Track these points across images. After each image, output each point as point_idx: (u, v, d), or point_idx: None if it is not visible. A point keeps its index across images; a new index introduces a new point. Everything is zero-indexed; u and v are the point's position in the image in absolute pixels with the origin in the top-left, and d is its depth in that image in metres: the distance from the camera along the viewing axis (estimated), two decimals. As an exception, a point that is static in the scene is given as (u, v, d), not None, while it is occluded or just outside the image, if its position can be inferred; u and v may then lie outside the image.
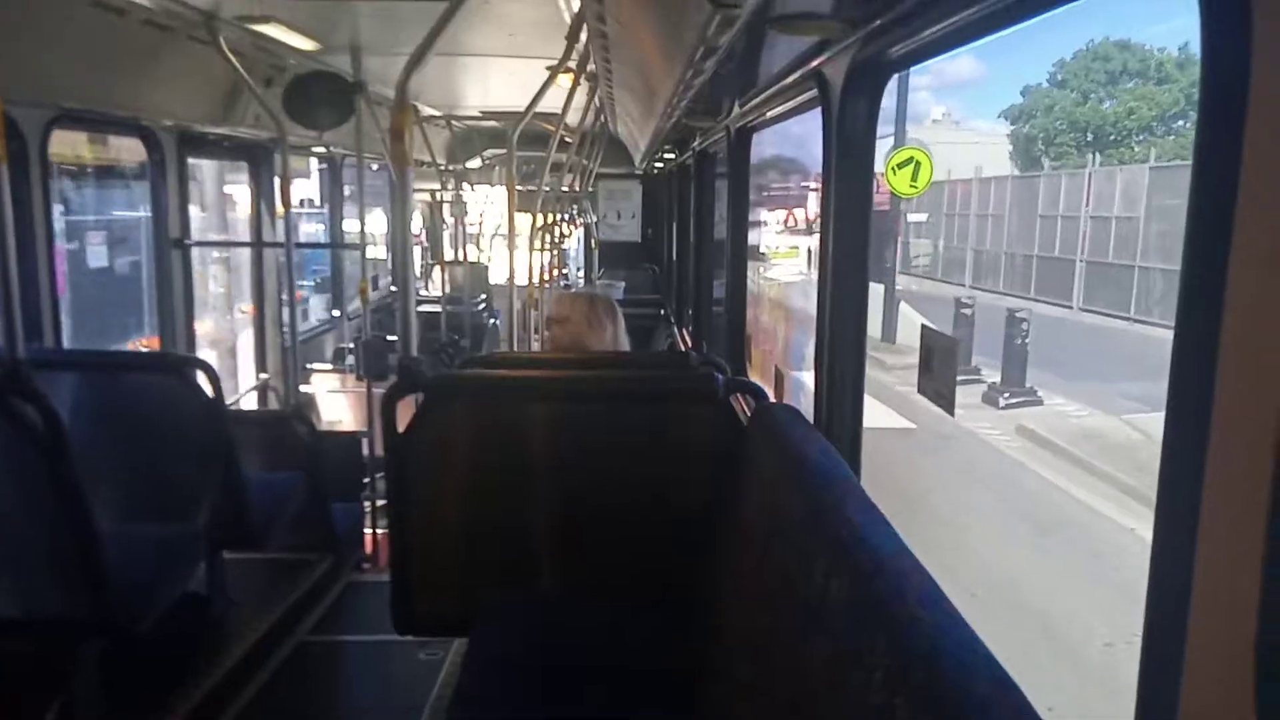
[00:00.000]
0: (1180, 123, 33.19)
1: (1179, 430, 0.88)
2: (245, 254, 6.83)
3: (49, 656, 3.14)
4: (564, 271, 13.13)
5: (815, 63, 2.39)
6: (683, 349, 7.20)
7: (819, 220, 2.45)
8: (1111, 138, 35.22)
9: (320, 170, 9.54)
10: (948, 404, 1.77)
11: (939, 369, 1.80)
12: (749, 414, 2.75)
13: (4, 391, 2.66)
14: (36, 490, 2.77)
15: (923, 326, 1.92)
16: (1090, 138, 35.88)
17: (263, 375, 6.78)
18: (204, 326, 6.85)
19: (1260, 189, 0.76)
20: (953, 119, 42.04)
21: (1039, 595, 7.46)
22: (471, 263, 11.84)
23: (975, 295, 19.92)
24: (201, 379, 3.70)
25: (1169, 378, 0.89)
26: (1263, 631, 0.74)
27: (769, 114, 3.44)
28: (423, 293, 11.20)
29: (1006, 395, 13.85)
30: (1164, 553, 0.90)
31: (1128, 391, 13.37)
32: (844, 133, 2.27)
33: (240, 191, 7.45)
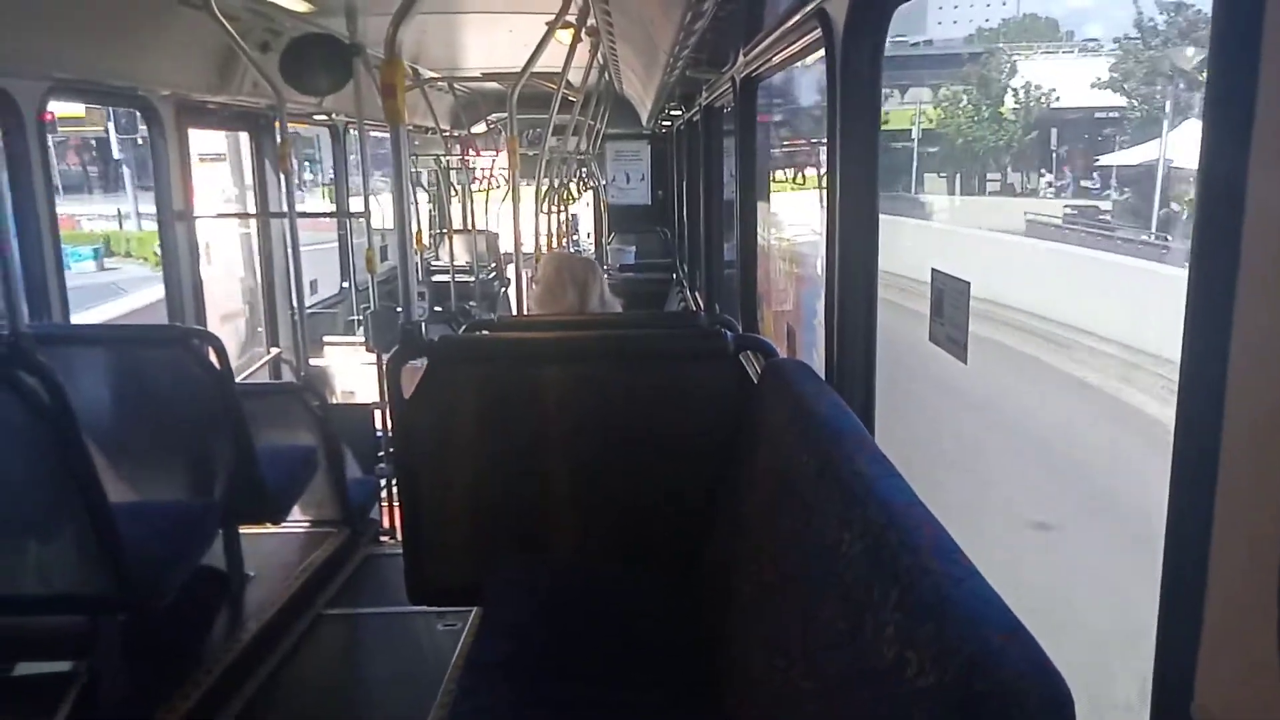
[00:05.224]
0: None
1: (1192, 405, 0.83)
2: None
3: (69, 632, 3.15)
4: (574, 237, 13.03)
5: (818, 1, 2.29)
6: (695, 310, 7.12)
7: (825, 167, 2.37)
8: None
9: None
10: (960, 350, 1.70)
11: (950, 313, 1.74)
12: (760, 372, 2.70)
13: (7, 365, 2.64)
14: (47, 466, 2.76)
15: (933, 270, 1.85)
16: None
17: (274, 349, 6.77)
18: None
19: (1268, 178, 0.71)
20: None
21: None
22: (480, 230, 11.77)
23: None
24: (209, 352, 3.68)
25: (1180, 359, 0.85)
26: None
27: (774, 60, 3.33)
28: (433, 263, 11.16)
29: None
30: (1179, 523, 0.85)
31: None
32: (848, 74, 2.18)
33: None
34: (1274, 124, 0.71)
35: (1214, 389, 0.78)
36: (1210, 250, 0.79)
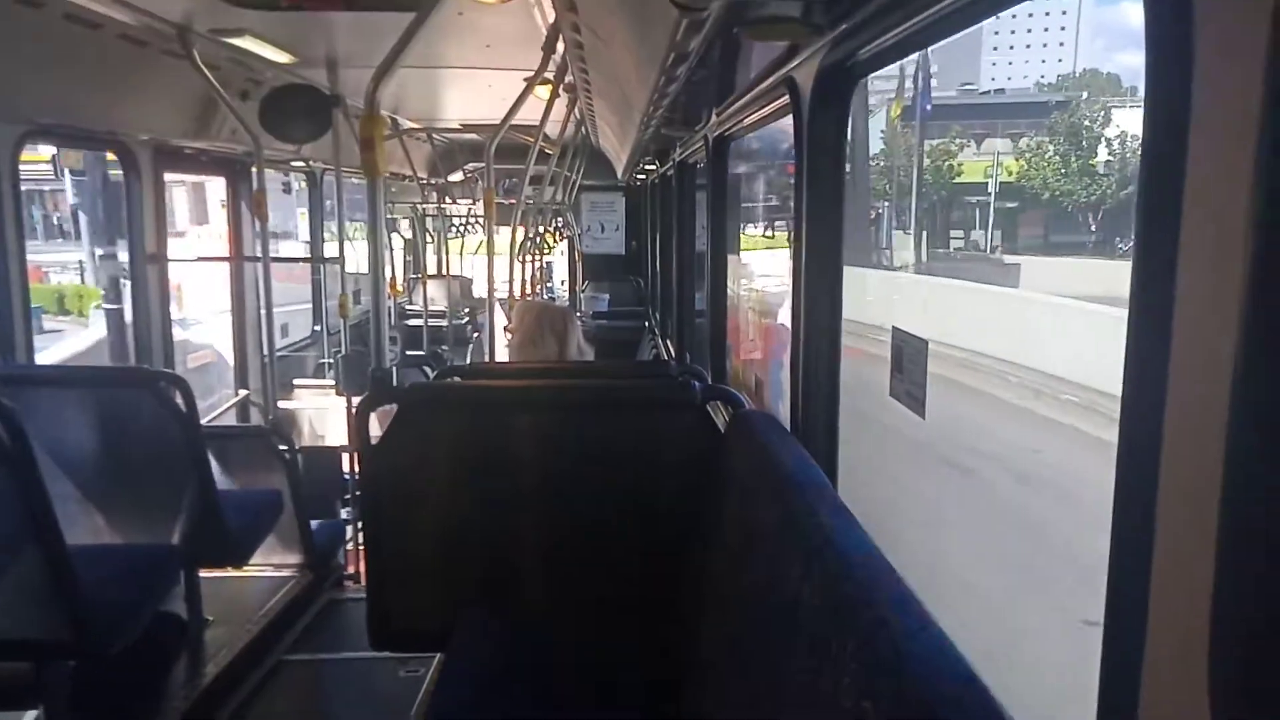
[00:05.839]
0: None
1: (1134, 424, 0.88)
2: None
3: (17, 679, 3.08)
4: (548, 284, 13.12)
5: (786, 69, 2.39)
6: (665, 359, 7.18)
7: (792, 227, 2.45)
8: None
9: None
10: (919, 405, 1.76)
11: (909, 369, 1.80)
12: (727, 421, 2.74)
13: None
14: (4, 507, 2.72)
15: (894, 328, 1.92)
16: None
17: (243, 391, 6.72)
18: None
19: (1204, 185, 0.76)
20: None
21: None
22: (455, 276, 11.83)
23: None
24: (176, 394, 3.66)
25: (1123, 373, 0.89)
26: (1216, 621, 0.74)
27: (745, 121, 3.44)
28: (408, 307, 11.18)
29: None
30: (1122, 547, 0.89)
31: None
32: (815, 138, 2.27)
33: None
34: (1210, 126, 0.76)
35: (1154, 405, 0.81)
36: (1152, 254, 0.83)
